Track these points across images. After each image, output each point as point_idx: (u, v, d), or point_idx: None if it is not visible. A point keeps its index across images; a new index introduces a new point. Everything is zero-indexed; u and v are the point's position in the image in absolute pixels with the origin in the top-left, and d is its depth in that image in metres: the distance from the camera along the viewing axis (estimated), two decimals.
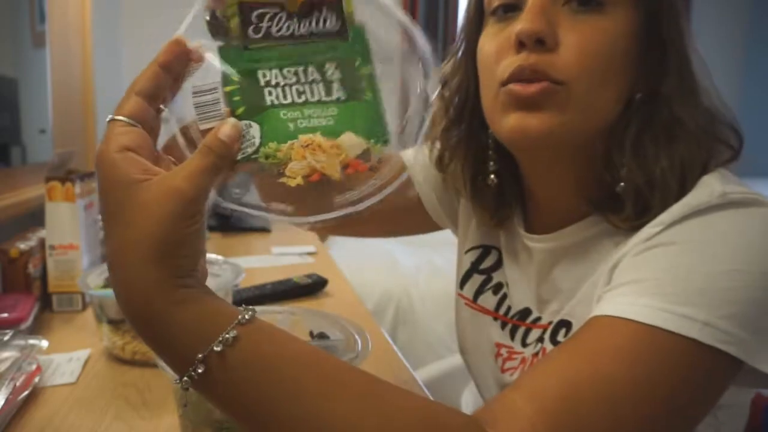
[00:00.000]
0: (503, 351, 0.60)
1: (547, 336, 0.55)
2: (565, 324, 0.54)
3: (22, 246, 0.81)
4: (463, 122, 0.60)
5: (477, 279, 0.66)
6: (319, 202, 0.42)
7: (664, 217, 0.47)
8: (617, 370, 0.40)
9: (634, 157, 0.50)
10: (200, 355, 0.36)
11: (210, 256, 0.82)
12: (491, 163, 0.59)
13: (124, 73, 1.77)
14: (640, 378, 0.40)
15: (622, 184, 0.50)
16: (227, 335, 0.36)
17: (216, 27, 0.40)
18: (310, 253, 1.28)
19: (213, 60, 0.40)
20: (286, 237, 1.45)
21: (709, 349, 0.40)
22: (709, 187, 0.48)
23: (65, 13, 1.26)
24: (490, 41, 0.53)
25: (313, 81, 0.40)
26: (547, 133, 0.49)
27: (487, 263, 0.65)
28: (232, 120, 0.39)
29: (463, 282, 0.67)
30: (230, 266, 0.78)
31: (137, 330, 0.38)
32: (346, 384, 0.38)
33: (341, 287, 1.03)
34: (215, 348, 0.36)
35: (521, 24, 0.48)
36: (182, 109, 0.41)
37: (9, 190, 0.99)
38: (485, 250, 0.66)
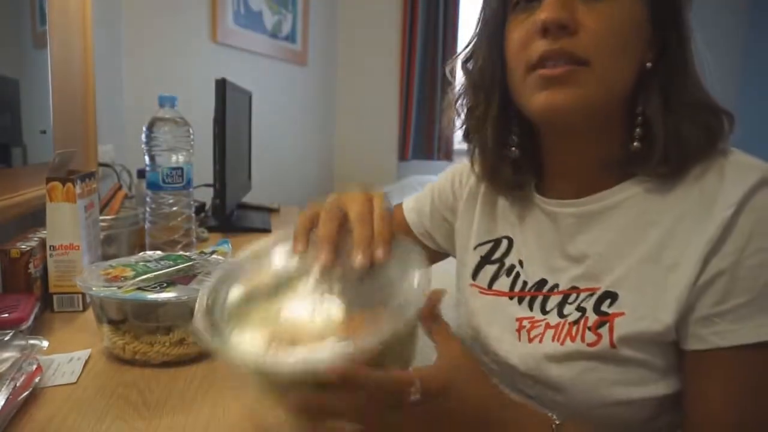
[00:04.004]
0: (525, 323, 0.63)
1: (589, 305, 0.59)
2: (611, 295, 0.58)
3: (23, 246, 0.81)
4: (490, 101, 0.66)
5: (489, 269, 0.70)
6: None
7: (729, 196, 0.53)
8: None
9: (662, 111, 0.57)
10: None
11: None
12: (514, 137, 0.66)
13: (124, 74, 1.77)
14: None
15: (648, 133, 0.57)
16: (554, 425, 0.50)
17: None
18: None
19: None
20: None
21: None
22: (749, 160, 0.55)
23: (66, 14, 1.26)
24: (517, 28, 0.59)
25: None
26: (573, 106, 0.56)
27: (498, 253, 0.70)
28: None
29: (475, 273, 0.71)
30: None
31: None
32: None
33: None
34: None
35: (545, 13, 0.55)
36: None
37: (10, 190, 0.99)
38: (495, 243, 0.71)
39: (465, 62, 0.69)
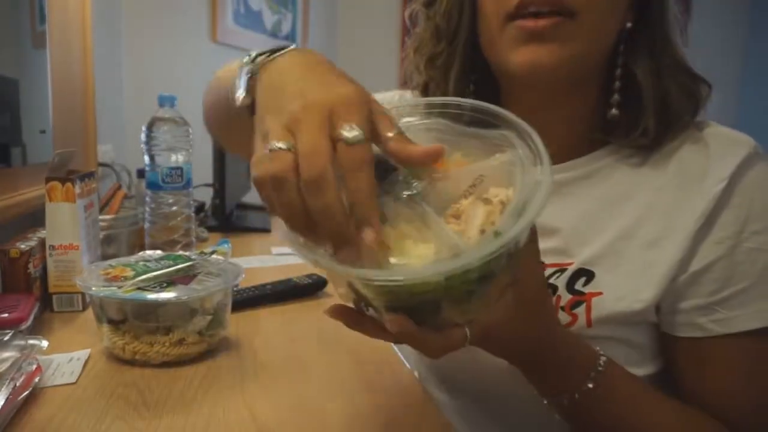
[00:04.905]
0: None
1: (561, 283, 0.55)
2: (586, 273, 0.55)
3: (23, 246, 0.81)
4: (454, 50, 0.59)
5: None
6: None
7: (719, 170, 0.51)
8: None
9: (651, 72, 0.54)
10: (592, 373, 0.47)
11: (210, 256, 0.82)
12: (471, 94, 0.59)
13: (124, 74, 1.77)
14: None
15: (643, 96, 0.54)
16: (602, 359, 0.48)
17: None
18: None
19: None
20: None
21: None
22: (733, 134, 0.54)
23: (65, 13, 1.26)
24: None
25: None
26: (558, 65, 0.51)
27: None
28: None
29: None
30: (230, 266, 0.77)
31: (534, 353, 0.46)
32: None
33: None
34: (600, 368, 0.47)
35: None
36: None
37: (9, 190, 0.99)
38: None
39: (428, 5, 0.62)
